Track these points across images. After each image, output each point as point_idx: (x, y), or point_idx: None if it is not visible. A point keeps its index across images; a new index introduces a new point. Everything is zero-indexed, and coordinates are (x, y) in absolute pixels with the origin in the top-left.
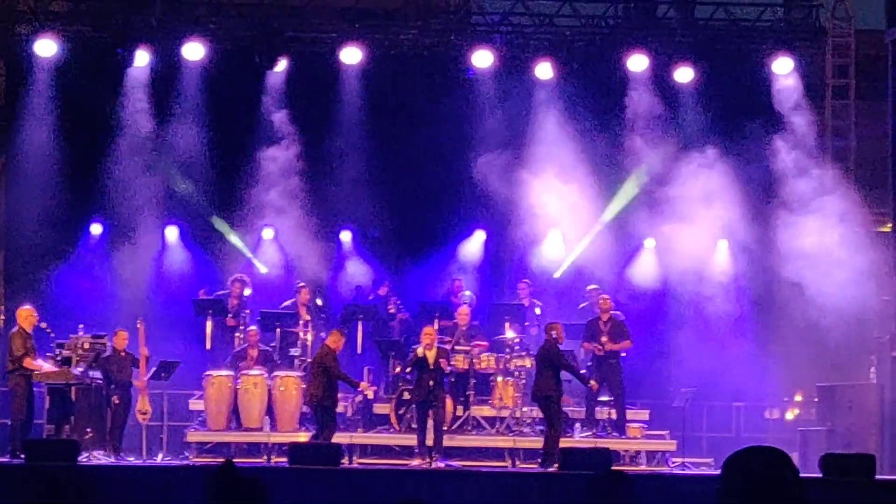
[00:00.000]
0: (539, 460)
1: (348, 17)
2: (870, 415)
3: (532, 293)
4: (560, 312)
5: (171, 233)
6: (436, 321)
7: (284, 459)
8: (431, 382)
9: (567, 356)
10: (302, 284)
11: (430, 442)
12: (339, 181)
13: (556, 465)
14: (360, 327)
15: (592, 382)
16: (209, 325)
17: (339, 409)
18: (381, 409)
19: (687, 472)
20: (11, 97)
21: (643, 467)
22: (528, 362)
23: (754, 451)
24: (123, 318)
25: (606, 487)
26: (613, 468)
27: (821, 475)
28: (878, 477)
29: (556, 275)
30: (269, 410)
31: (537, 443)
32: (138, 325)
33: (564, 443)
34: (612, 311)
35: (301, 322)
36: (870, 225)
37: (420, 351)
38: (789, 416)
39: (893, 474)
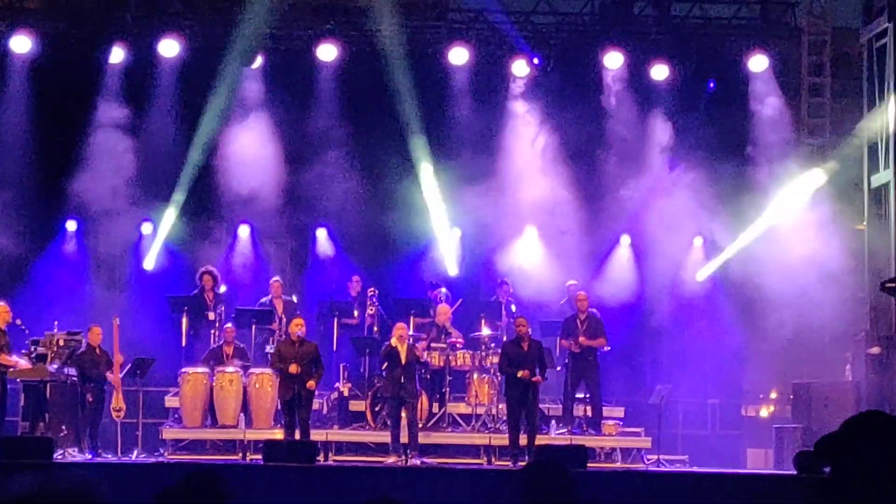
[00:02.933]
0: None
1: (324, 14)
2: (845, 412)
3: (509, 291)
4: (537, 310)
5: (147, 229)
6: (411, 318)
7: (259, 457)
8: (403, 378)
9: (547, 354)
10: (276, 279)
11: (405, 439)
12: (315, 178)
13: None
14: (335, 324)
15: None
16: (184, 321)
17: (315, 406)
18: (356, 406)
19: (662, 469)
20: None
21: (618, 464)
22: None
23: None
24: (98, 314)
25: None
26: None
27: (796, 472)
28: None
29: (531, 271)
30: (245, 408)
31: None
32: (114, 322)
33: (540, 440)
34: (589, 309)
35: (277, 318)
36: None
37: (393, 342)
38: (764, 413)
39: None
